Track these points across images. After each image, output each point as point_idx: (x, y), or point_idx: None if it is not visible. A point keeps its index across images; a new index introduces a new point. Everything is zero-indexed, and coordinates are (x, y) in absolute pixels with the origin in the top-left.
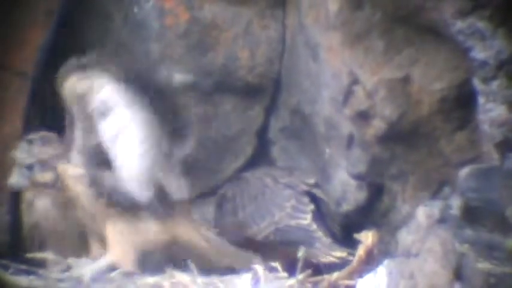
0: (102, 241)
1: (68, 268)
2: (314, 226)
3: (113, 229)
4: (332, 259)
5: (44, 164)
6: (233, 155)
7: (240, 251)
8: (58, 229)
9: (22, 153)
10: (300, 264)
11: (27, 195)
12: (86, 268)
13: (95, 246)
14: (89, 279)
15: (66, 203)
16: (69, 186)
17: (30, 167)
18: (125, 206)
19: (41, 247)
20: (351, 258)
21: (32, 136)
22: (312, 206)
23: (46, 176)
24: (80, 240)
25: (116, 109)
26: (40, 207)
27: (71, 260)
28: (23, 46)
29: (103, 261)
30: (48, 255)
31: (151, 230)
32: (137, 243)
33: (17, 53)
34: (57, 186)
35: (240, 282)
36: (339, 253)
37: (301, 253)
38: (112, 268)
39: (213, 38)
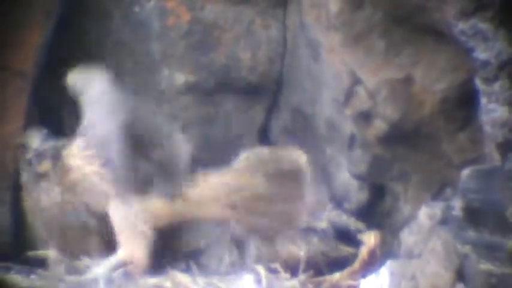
0: (108, 231)
1: (71, 268)
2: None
3: (122, 222)
4: (343, 253)
5: (40, 155)
6: (234, 154)
7: None
8: (61, 220)
9: (34, 141)
10: (301, 265)
11: (31, 189)
12: (100, 268)
13: (96, 240)
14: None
15: (68, 189)
16: (75, 168)
17: (29, 162)
18: (135, 186)
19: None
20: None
21: (41, 130)
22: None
23: (44, 166)
24: (83, 232)
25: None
26: (43, 198)
27: (79, 262)
28: (23, 46)
29: (114, 259)
30: (50, 253)
31: (162, 212)
32: (148, 233)
33: (17, 53)
34: (57, 173)
35: (241, 283)
36: (350, 249)
37: (302, 253)
38: (124, 264)
39: (215, 38)
